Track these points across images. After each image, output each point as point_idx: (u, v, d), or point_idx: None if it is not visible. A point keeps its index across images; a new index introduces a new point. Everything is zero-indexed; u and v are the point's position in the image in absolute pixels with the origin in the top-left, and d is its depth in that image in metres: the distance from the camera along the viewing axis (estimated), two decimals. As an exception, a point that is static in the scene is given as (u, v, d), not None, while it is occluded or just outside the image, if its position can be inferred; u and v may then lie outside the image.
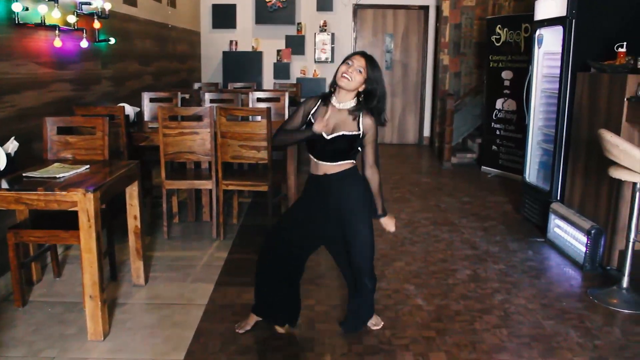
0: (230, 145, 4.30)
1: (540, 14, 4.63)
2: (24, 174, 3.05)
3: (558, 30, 4.33)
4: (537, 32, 4.76)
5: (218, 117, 4.23)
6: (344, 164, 2.72)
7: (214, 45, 8.95)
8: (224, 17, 8.92)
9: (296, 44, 8.94)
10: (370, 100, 2.65)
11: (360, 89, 2.65)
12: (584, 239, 3.87)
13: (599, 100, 3.90)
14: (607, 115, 3.79)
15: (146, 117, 5.51)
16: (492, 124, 6.92)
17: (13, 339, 2.92)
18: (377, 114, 2.71)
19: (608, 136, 3.16)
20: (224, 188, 4.39)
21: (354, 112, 2.65)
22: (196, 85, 7.42)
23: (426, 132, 9.19)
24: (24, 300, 3.31)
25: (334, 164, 2.71)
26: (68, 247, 4.18)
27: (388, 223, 2.90)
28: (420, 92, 9.11)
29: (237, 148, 4.30)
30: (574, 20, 4.14)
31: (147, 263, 3.86)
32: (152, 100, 5.71)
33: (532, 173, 5.02)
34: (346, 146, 2.67)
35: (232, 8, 8.88)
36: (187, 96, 6.51)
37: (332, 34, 8.88)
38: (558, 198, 4.43)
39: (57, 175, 3.01)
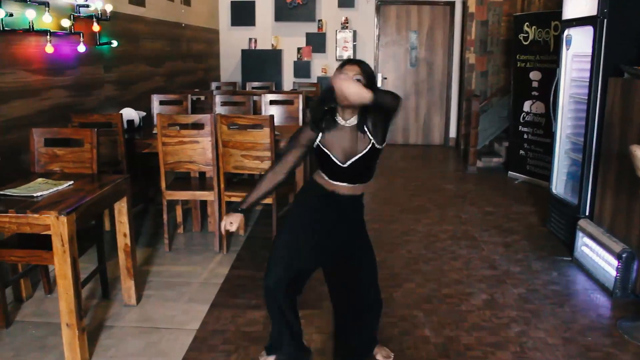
0: (233, 155, 4.07)
1: (569, 12, 4.26)
2: (1, 192, 2.86)
3: (588, 31, 3.96)
4: (566, 32, 4.39)
5: (219, 126, 4.00)
6: (359, 187, 2.50)
7: (232, 43, 8.74)
8: (243, 15, 8.69)
9: (317, 42, 8.66)
10: (378, 108, 2.25)
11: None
12: (615, 262, 3.52)
13: (632, 110, 3.53)
14: (642, 126, 3.43)
15: (155, 121, 5.31)
16: (520, 127, 6.53)
17: (-12, 369, 2.75)
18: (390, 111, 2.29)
19: (637, 151, 2.82)
20: (227, 199, 4.17)
21: (362, 128, 2.34)
22: (214, 85, 7.23)
23: (452, 133, 8.82)
24: (8, 321, 3.15)
25: (351, 185, 2.47)
26: (64, 260, 4.00)
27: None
28: (446, 92, 8.75)
29: (240, 158, 4.07)
30: (605, 20, 3.76)
31: (141, 280, 3.67)
32: (162, 102, 5.53)
33: (559, 184, 4.65)
34: (365, 166, 2.43)
35: (251, 5, 8.64)
36: (202, 97, 6.32)
37: (354, 32, 8.57)
38: (587, 214, 4.08)
39: (35, 194, 2.81)
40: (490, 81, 7.66)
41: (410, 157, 8.14)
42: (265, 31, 8.71)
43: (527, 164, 6.47)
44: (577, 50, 4.34)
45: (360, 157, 2.37)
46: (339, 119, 2.37)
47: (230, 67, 8.85)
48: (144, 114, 5.17)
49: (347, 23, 8.56)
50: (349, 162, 2.38)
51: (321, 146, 2.39)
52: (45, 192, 2.86)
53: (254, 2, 8.64)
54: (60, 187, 2.96)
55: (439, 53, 8.70)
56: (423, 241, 4.53)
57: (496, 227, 4.90)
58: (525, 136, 6.47)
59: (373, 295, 2.63)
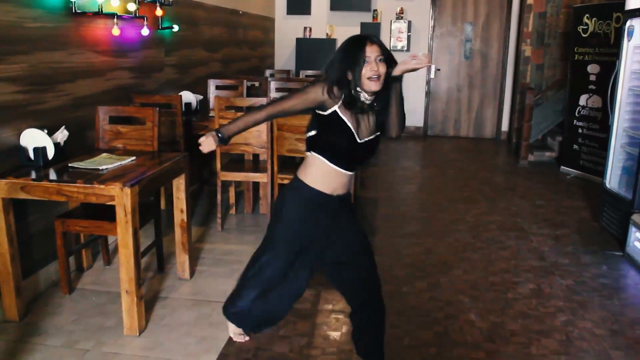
0: (287, 139, 4.16)
1: (633, 2, 4.16)
2: (70, 164, 3.05)
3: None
4: (628, 23, 4.29)
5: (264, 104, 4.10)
6: (352, 178, 2.33)
7: (287, 31, 8.85)
8: (299, 3, 8.78)
9: (371, 32, 8.66)
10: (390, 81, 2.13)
11: None
12: (668, 257, 3.46)
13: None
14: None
15: (211, 105, 5.48)
16: (575, 121, 6.40)
17: (55, 327, 2.94)
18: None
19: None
20: (279, 182, 4.28)
21: (373, 105, 2.18)
22: (268, 72, 7.36)
23: (504, 127, 8.69)
24: (71, 288, 3.34)
25: (350, 173, 2.27)
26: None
27: None
28: (500, 85, 8.62)
29: (294, 142, 4.16)
30: (670, 11, 3.68)
31: (195, 256, 3.82)
32: (218, 87, 5.70)
33: (613, 179, 4.56)
34: (374, 148, 2.25)
35: (307, -7, 8.74)
36: (256, 84, 6.46)
37: (409, 22, 8.55)
38: (641, 209, 4.01)
39: (101, 167, 2.98)
40: (546, 74, 7.52)
41: (461, 149, 8.08)
42: (320, 20, 8.78)
43: (580, 159, 6.34)
44: (639, 42, 4.24)
45: (374, 138, 2.22)
46: (362, 94, 2.14)
47: (284, 55, 8.97)
48: (201, 97, 5.35)
49: (402, 13, 8.55)
50: (364, 139, 2.18)
51: (339, 113, 2.13)
52: (109, 166, 3.02)
53: (309, -10, 8.73)
54: (123, 162, 3.13)
55: (494, 45, 8.59)
56: (471, 231, 4.53)
57: (546, 220, 4.85)
58: (580, 130, 6.34)
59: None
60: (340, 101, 2.13)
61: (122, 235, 2.77)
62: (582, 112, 6.30)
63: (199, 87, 5.57)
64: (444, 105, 8.92)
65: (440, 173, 6.61)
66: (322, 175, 2.22)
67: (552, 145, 7.29)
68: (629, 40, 4.33)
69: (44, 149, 3.01)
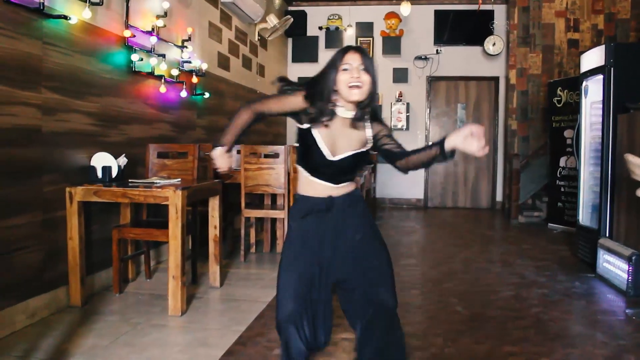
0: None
1: (585, 66, 5.05)
2: (129, 181, 3.81)
3: (600, 80, 4.72)
4: (584, 84, 5.17)
5: (291, 155, 4.90)
6: (348, 186, 2.20)
7: (298, 113, 9.82)
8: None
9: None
10: (373, 100, 2.10)
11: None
12: (626, 266, 4.08)
13: (636, 137, 4.21)
14: (643, 149, 4.09)
15: (233, 165, 6.30)
16: (557, 181, 7.17)
17: (111, 310, 3.58)
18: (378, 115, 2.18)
19: (630, 158, 3.48)
20: (294, 217, 4.98)
21: (359, 121, 2.10)
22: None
23: (499, 197, 9.45)
24: (121, 289, 3.98)
25: (337, 185, 2.16)
26: (159, 261, 4.87)
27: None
28: (493, 158, 9.48)
29: (307, 181, 4.91)
30: (612, 68, 4.54)
31: (224, 271, 4.46)
32: (238, 152, 6.53)
33: (585, 216, 5.25)
34: (354, 164, 2.14)
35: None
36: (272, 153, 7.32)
37: (407, 104, 9.54)
38: (607, 235, 4.65)
39: (155, 181, 3.73)
40: (531, 145, 8.36)
41: (458, 215, 8.78)
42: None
43: (564, 215, 7.03)
44: (594, 99, 5.07)
45: (356, 154, 2.12)
46: (339, 109, 2.08)
47: (294, 135, 9.88)
48: (226, 155, 6.16)
49: (402, 96, 9.57)
50: (339, 157, 2.09)
51: (312, 130, 2.07)
52: (162, 182, 3.78)
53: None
54: (172, 181, 3.88)
55: (485, 123, 9.52)
56: (462, 263, 5.16)
57: (530, 257, 5.47)
58: (562, 189, 7.08)
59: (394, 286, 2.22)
60: (315, 118, 2.06)
61: (173, 229, 3.47)
62: (562, 173, 7.08)
63: (223, 149, 6.40)
64: (442, 178, 9.72)
65: (438, 231, 7.29)
66: (308, 184, 2.16)
67: (540, 207, 7.99)
68: (585, 98, 5.19)
69: (110, 168, 3.78)
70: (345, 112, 2.08)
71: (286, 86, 2.12)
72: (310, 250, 2.13)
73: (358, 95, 2.02)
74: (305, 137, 2.09)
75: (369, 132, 2.12)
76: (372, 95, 2.07)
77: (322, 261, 2.13)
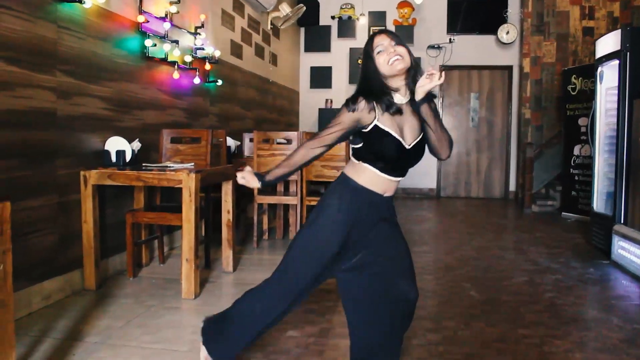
0: (314, 165, 4.92)
1: (600, 51, 5.00)
2: (143, 165, 3.82)
3: (616, 65, 4.67)
4: (599, 69, 5.11)
5: (304, 141, 4.90)
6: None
7: (311, 102, 9.85)
8: (321, 78, 9.85)
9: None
10: (418, 66, 2.14)
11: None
12: (641, 252, 4.05)
13: (652, 122, 4.17)
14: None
15: (245, 153, 6.32)
16: (571, 169, 7.11)
17: (125, 293, 3.60)
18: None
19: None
20: (307, 204, 4.99)
21: (414, 103, 2.06)
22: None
23: (512, 187, 9.39)
24: (135, 273, 4.01)
25: (400, 179, 2.18)
26: (172, 247, 4.90)
27: None
28: (506, 147, 9.42)
29: (320, 168, 4.92)
30: (628, 53, 4.48)
31: (237, 256, 4.48)
32: (251, 140, 6.54)
33: (599, 203, 5.21)
34: (423, 147, 2.16)
35: (328, 70, 9.81)
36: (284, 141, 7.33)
37: (420, 93, 9.48)
38: (622, 221, 4.61)
39: (169, 165, 3.75)
40: (545, 134, 8.29)
41: (471, 205, 8.74)
42: (340, 93, 9.78)
43: (578, 204, 6.98)
44: (610, 84, 5.02)
45: (421, 139, 2.12)
46: (396, 97, 2.10)
47: (308, 123, 9.93)
48: (239, 143, 6.18)
49: (413, 86, 9.51)
50: (412, 143, 2.10)
51: (380, 125, 2.05)
52: (175, 165, 3.79)
53: (330, 67, 9.80)
54: (185, 165, 3.90)
55: (498, 112, 9.47)
56: (476, 250, 5.14)
57: (544, 244, 5.44)
58: (577, 178, 7.02)
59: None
60: (377, 112, 2.06)
61: (186, 212, 3.49)
62: (576, 161, 7.02)
63: (236, 137, 6.42)
64: (454, 168, 9.68)
65: (451, 218, 7.27)
66: (372, 179, 2.13)
67: (554, 196, 7.93)
68: (601, 84, 5.13)
69: (123, 152, 3.81)
70: (401, 98, 2.11)
71: (350, 102, 2.08)
72: (343, 247, 2.15)
73: (402, 63, 2.05)
74: (371, 136, 2.07)
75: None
76: (415, 62, 2.11)
77: (349, 248, 2.17)
